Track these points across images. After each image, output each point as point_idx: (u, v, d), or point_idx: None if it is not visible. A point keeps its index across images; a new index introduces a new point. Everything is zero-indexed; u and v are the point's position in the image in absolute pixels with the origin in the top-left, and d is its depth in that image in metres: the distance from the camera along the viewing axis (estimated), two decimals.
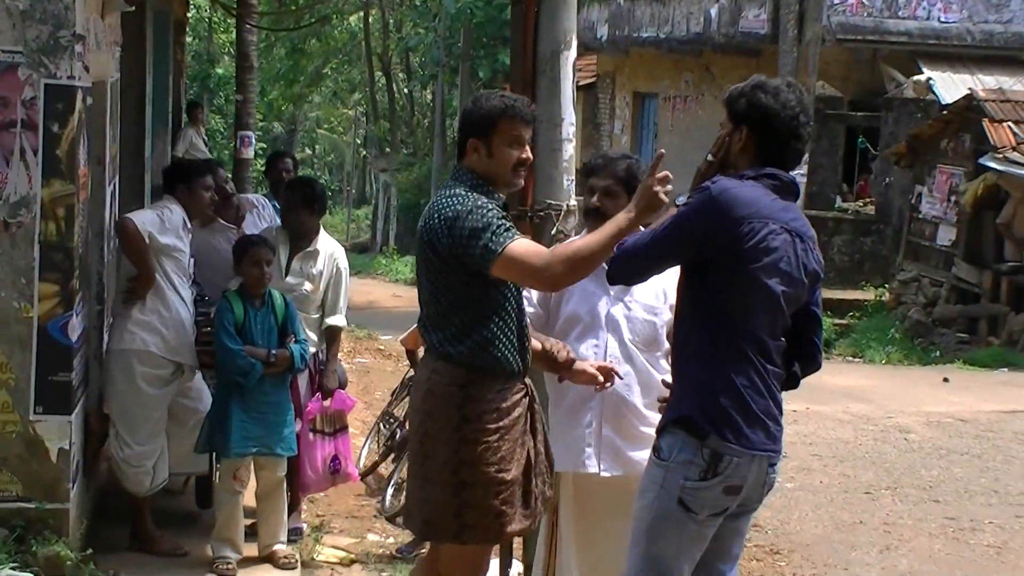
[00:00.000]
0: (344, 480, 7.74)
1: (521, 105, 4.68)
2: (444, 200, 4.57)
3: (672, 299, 4.88)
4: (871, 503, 9.14)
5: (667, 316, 5.10)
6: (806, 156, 20.35)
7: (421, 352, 7.81)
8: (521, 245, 4.42)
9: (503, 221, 4.46)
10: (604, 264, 4.55)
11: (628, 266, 4.33)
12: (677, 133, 27.52)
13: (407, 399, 9.39)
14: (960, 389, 14.42)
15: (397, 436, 9.17)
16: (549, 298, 5.23)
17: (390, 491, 8.52)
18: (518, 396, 4.67)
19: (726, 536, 4.44)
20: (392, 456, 9.08)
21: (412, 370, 8.19)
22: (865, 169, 23.80)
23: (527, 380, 4.76)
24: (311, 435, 7.36)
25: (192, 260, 7.14)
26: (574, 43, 5.85)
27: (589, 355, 5.09)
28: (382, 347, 15.93)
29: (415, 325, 7.86)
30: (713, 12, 24.13)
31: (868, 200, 23.00)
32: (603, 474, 5.13)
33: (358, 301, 22.33)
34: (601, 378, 4.92)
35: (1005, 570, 7.65)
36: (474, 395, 4.59)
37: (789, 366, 4.45)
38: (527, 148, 4.68)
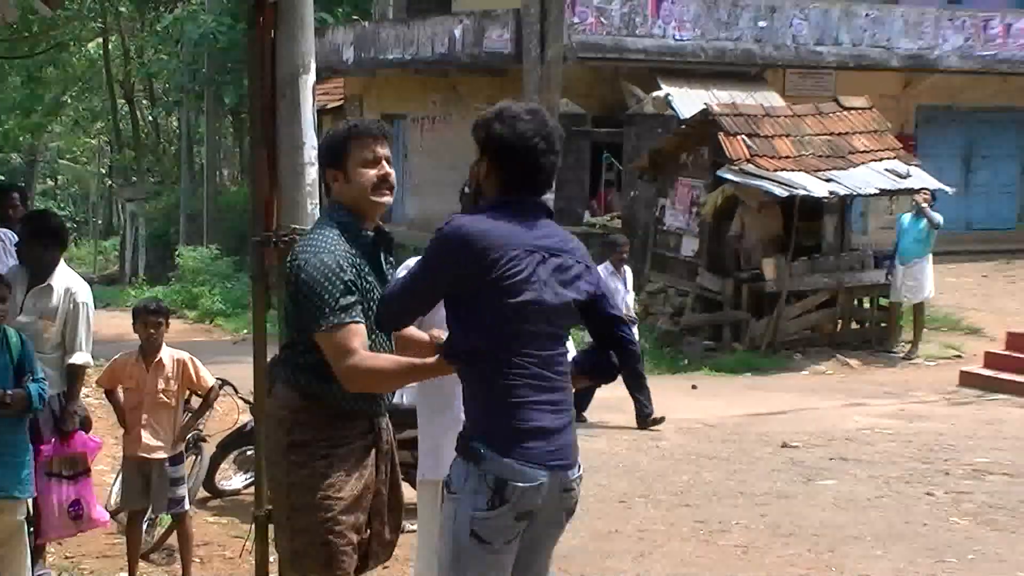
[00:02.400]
0: (91, 526, 7.48)
1: (368, 123, 4.73)
2: (308, 241, 4.60)
3: None
4: (626, 511, 9.33)
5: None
6: None
7: (120, 392, 7.61)
8: (340, 336, 4.40)
9: (342, 299, 4.43)
10: None
11: (391, 313, 4.36)
12: (427, 153, 27.69)
13: None
14: (708, 395, 14.88)
15: None
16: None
17: (143, 527, 8.30)
18: (356, 431, 4.67)
19: (530, 560, 4.39)
20: None
21: (115, 411, 7.90)
22: (611, 184, 24.34)
23: (380, 422, 4.75)
24: (47, 479, 7.09)
25: None
26: (313, 66, 5.82)
27: None
28: None
29: (110, 362, 7.66)
30: (457, 33, 24.36)
31: (615, 214, 23.52)
32: None
33: (107, 334, 21.64)
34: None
35: (751, 568, 7.91)
36: (304, 421, 4.61)
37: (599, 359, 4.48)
38: (384, 164, 4.67)
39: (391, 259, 4.83)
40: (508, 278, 4.17)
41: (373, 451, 4.74)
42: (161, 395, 7.45)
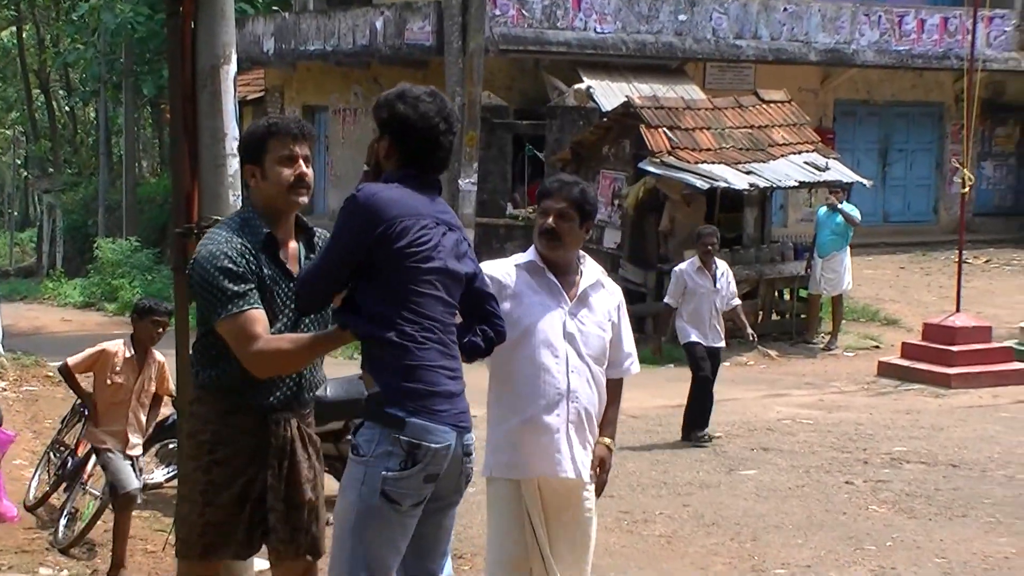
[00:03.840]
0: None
1: (287, 122, 4.75)
2: (204, 238, 4.70)
3: (614, 317, 5.41)
4: None
5: (611, 333, 5.41)
6: (475, 165, 20.61)
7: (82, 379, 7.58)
8: (240, 323, 4.45)
9: (235, 287, 4.48)
10: (550, 277, 5.21)
11: (311, 294, 4.46)
12: (349, 145, 27.57)
13: (78, 426, 9.09)
14: (631, 386, 14.63)
15: (68, 464, 8.85)
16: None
17: (63, 521, 8.24)
18: (245, 426, 4.66)
19: (430, 534, 4.50)
20: (64, 485, 8.76)
21: (80, 395, 7.91)
22: (537, 176, 24.34)
23: (276, 417, 4.69)
24: None
25: None
26: (234, 56, 5.77)
27: (551, 366, 5.24)
28: (51, 374, 15.31)
29: (90, 350, 7.62)
30: (379, 24, 24.27)
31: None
32: (569, 476, 5.26)
33: (24, 327, 21.41)
34: None
35: (675, 557, 7.97)
36: (196, 413, 4.73)
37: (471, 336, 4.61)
38: (302, 164, 4.69)
39: (312, 256, 4.77)
40: (419, 245, 4.34)
41: (278, 450, 4.69)
42: (143, 395, 7.49)
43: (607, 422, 5.48)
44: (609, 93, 22.01)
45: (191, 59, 5.64)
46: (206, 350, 4.68)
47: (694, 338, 11.70)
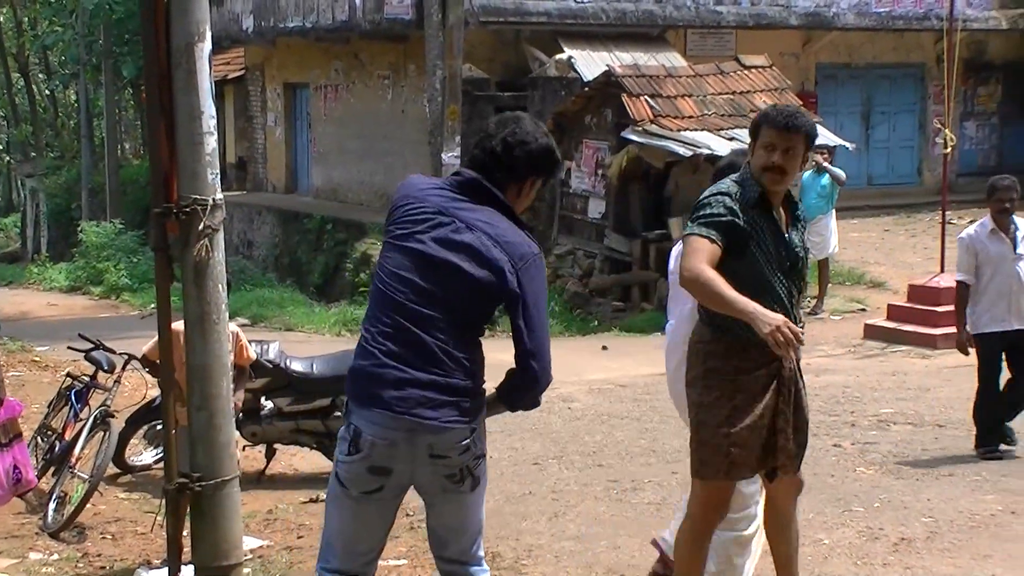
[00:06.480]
0: (26, 488, 7.44)
1: (777, 113, 5.37)
2: (717, 184, 5.45)
3: None
4: (539, 473, 9.38)
5: None
6: (458, 138, 20.52)
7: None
8: (689, 241, 5.14)
9: (706, 216, 5.17)
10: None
11: None
12: (331, 122, 27.47)
13: (64, 410, 9.08)
14: (619, 355, 14.97)
15: (56, 449, 8.86)
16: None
17: (52, 506, 8.24)
18: (760, 360, 5.24)
19: (435, 527, 4.67)
20: (52, 470, 8.76)
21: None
22: None
23: (799, 352, 5.29)
24: None
25: None
26: (208, 34, 5.74)
27: None
28: (37, 358, 15.30)
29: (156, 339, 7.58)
30: None
31: None
32: None
33: (9, 312, 21.37)
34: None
35: (664, 525, 7.93)
36: (714, 351, 5.32)
37: None
38: (778, 154, 5.27)
39: (795, 228, 5.44)
40: (403, 221, 4.66)
41: (776, 377, 5.32)
42: None
43: None
44: (590, 63, 21.96)
45: (165, 38, 5.61)
46: None
47: (990, 327, 9.35)
